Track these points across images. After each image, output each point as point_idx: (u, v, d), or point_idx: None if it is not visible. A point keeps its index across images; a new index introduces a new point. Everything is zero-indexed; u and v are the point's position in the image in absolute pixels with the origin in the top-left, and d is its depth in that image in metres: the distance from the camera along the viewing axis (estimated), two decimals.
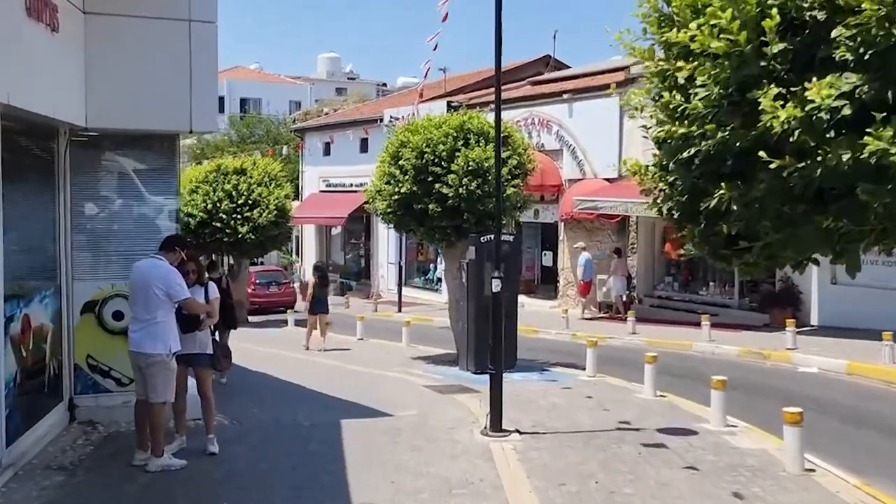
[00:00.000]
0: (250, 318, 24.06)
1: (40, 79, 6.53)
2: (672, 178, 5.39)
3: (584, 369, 12.83)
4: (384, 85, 66.27)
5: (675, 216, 5.67)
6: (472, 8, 75.88)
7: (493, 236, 9.32)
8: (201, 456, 7.23)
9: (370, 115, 31.73)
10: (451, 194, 12.90)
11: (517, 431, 8.38)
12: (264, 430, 8.42)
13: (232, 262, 23.63)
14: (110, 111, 7.84)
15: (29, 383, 7.07)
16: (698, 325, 16.75)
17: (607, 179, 21.54)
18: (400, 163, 13.42)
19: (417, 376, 12.75)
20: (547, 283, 24.64)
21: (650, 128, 5.76)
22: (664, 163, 5.69)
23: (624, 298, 20.72)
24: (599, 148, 21.91)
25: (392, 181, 13.48)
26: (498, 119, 8.64)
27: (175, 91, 8.00)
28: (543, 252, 25.03)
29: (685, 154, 5.09)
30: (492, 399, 8.31)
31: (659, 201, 6.02)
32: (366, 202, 15.02)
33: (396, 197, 13.38)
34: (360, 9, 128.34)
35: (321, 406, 9.93)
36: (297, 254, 37.77)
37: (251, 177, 22.75)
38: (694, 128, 5.07)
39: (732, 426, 8.73)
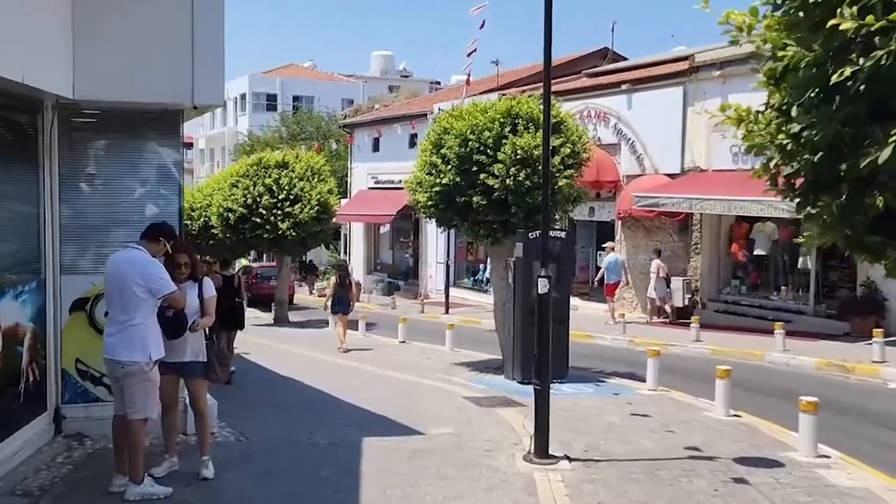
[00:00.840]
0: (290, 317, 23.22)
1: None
2: (800, 126, 3.72)
3: (644, 381, 11.51)
4: (437, 83, 65.15)
5: (801, 186, 4.08)
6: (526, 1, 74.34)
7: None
8: (193, 481, 6.16)
9: (419, 110, 30.69)
10: (497, 186, 11.70)
11: (567, 458, 7.13)
12: (273, 451, 7.30)
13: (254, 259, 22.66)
14: (102, 81, 6.84)
15: None
16: (769, 332, 15.26)
17: (669, 175, 20.09)
18: (442, 151, 12.25)
19: (457, 385, 11.57)
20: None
21: (763, 55, 4.23)
22: (787, 103, 4.05)
23: (667, 302, 19.47)
24: (660, 142, 20.46)
25: (433, 171, 12.33)
26: (547, 93, 7.40)
27: (176, 59, 6.98)
28: (599, 252, 23.61)
29: (830, 80, 3.50)
30: (537, 420, 7.09)
31: (773, 163, 4.39)
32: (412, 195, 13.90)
33: (438, 188, 12.21)
34: (415, 6, 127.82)
35: (345, 419, 8.81)
36: (346, 252, 36.91)
37: (293, 171, 21.85)
38: (849, 35, 3.44)
39: (825, 457, 7.35)
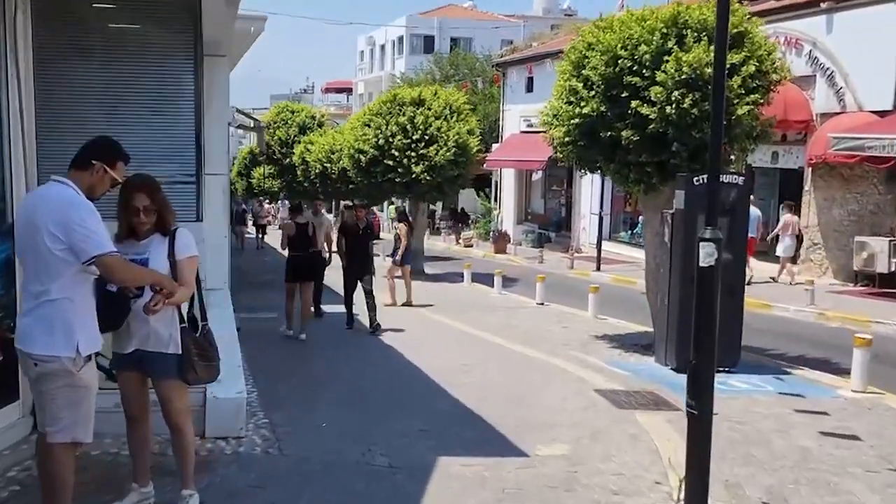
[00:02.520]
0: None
1: None
2: None
3: (845, 375, 8.66)
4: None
5: None
6: None
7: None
8: None
9: None
10: (653, 115, 9.03)
11: None
12: (306, 475, 5.17)
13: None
14: None
15: None
16: None
17: (876, 112, 16.34)
18: (584, 72, 9.68)
19: (593, 369, 9.15)
20: None
21: None
22: None
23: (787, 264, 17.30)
24: (867, 72, 16.66)
25: (573, 99, 9.79)
26: None
27: None
28: (781, 206, 20.11)
29: None
30: (690, 455, 4.64)
31: None
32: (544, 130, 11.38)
33: (578, 120, 9.67)
34: None
35: (426, 422, 6.60)
36: (496, 200, 34.74)
37: (430, 108, 19.74)
38: None
39: None
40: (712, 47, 8.80)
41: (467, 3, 66.64)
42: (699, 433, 4.54)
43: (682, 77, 8.92)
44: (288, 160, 32.08)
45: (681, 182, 8.95)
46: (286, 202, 39.32)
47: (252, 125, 10.76)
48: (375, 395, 7.60)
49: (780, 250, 17.35)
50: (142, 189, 4.04)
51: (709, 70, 8.74)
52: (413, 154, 19.16)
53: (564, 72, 10.09)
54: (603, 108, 9.43)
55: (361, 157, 19.81)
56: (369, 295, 11.65)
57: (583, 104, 9.56)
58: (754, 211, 17.36)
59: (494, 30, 57.67)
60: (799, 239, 17.68)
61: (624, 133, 9.30)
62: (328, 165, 26.72)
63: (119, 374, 4.22)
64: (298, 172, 30.12)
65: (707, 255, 4.64)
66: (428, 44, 57.71)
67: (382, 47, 64.91)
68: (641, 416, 6.99)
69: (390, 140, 19.31)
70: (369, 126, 19.87)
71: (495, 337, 11.31)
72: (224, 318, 8.33)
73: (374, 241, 14.30)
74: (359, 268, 11.64)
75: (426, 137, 19.26)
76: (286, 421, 6.19)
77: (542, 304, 15.20)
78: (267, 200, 41.60)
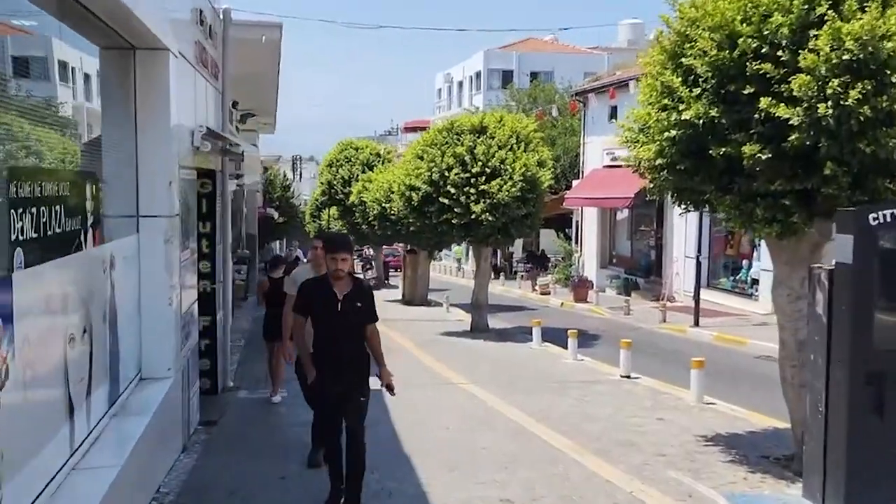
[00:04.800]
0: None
1: None
2: None
3: None
4: None
5: None
6: None
7: None
8: None
9: None
10: (795, 120, 5.86)
11: None
12: None
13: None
14: None
15: None
16: None
17: None
18: (685, 61, 6.59)
19: None
20: None
21: None
22: None
23: None
24: None
25: (670, 102, 6.71)
26: None
27: None
28: None
29: None
30: None
31: None
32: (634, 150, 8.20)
33: (675, 132, 6.57)
34: None
35: None
36: (576, 242, 31.47)
37: (492, 137, 16.82)
38: None
39: None
40: (891, 10, 5.66)
41: (548, 37, 64.03)
42: None
43: (843, 59, 5.73)
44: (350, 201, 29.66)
45: (845, 220, 5.71)
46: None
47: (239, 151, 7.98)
48: None
49: None
50: None
51: (890, 45, 5.56)
52: (472, 190, 16.24)
53: (654, 63, 7.01)
54: (714, 113, 6.32)
55: (413, 194, 17.02)
56: (355, 438, 5.77)
57: (683, 108, 6.46)
58: None
59: (577, 62, 54.80)
60: None
61: (747, 149, 6.15)
62: (387, 206, 24.06)
63: None
64: (356, 214, 27.60)
65: None
66: (506, 79, 55.24)
67: (460, 84, 62.91)
68: None
69: (446, 174, 16.46)
70: (422, 159, 17.09)
71: (561, 437, 8.15)
72: (136, 434, 5.51)
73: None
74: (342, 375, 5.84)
75: (487, 170, 16.32)
76: None
77: (629, 376, 11.91)
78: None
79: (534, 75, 53.74)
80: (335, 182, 32.25)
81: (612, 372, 12.41)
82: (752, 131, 6.19)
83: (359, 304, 5.71)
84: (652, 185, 7.43)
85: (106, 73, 6.16)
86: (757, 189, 6.38)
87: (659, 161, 6.87)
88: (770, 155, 6.09)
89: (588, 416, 9.21)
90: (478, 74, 58.57)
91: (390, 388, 5.78)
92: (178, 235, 7.15)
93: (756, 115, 6.11)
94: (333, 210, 33.67)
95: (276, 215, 46.05)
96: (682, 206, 7.47)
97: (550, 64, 55.74)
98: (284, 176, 56.48)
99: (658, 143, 6.79)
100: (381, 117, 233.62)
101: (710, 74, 6.34)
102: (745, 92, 6.14)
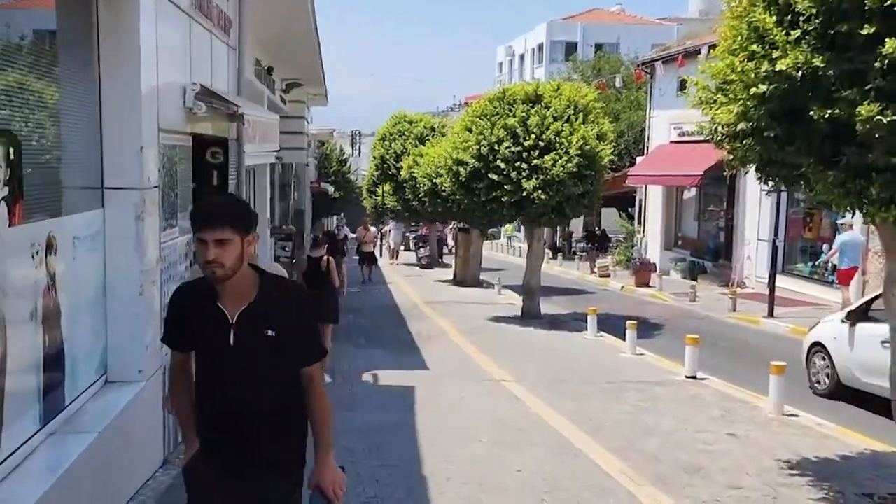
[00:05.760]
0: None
1: None
2: None
3: None
4: None
5: None
6: None
7: None
8: None
9: None
10: None
11: None
12: None
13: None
14: None
15: None
16: None
17: None
18: None
19: None
20: None
21: None
22: None
23: None
24: None
25: (760, 49, 5.27)
26: None
27: None
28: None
29: None
30: None
31: None
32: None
33: (766, 87, 5.14)
34: None
35: None
36: (640, 222, 29.76)
37: (547, 107, 15.39)
38: None
39: None
40: None
41: (614, 7, 61.66)
42: None
43: None
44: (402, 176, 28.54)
45: None
46: (397, 223, 35.63)
47: (233, 112, 6.82)
48: None
49: None
50: None
51: None
52: (524, 165, 14.86)
53: (739, 2, 5.56)
54: (818, 62, 4.87)
55: (461, 169, 15.73)
56: None
57: (777, 56, 5.02)
58: (854, 236, 15.31)
59: (645, 33, 52.42)
60: None
61: (863, 109, 4.70)
62: (437, 181, 22.83)
63: None
64: (407, 190, 26.44)
65: None
66: (570, 51, 53.34)
67: (522, 57, 61.14)
68: None
69: (496, 148, 15.11)
70: (470, 131, 15.76)
71: (612, 457, 6.84)
72: (72, 454, 4.42)
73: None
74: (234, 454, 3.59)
75: (541, 144, 14.91)
76: None
77: (695, 377, 10.48)
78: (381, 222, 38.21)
79: (598, 47, 51.61)
80: (388, 157, 31.17)
81: (675, 370, 11.00)
82: (868, 87, 4.74)
83: (269, 332, 3.06)
84: (731, 158, 6.00)
85: (61, 5, 5.03)
86: (873, 162, 4.93)
87: (742, 126, 5.45)
88: (894, 117, 4.63)
89: (646, 429, 7.86)
90: (540, 47, 56.79)
91: (325, 497, 3.14)
92: (158, 211, 6.02)
93: (877, 65, 4.65)
94: (387, 186, 32.57)
95: (331, 190, 45.36)
96: (770, 183, 6.03)
97: (616, 35, 53.53)
98: (341, 150, 55.81)
99: (742, 102, 5.36)
100: (445, 93, 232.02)
101: (814, 11, 4.89)
102: (863, 33, 4.68)
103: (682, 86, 23.35)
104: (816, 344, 10.10)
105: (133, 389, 5.58)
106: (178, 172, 6.65)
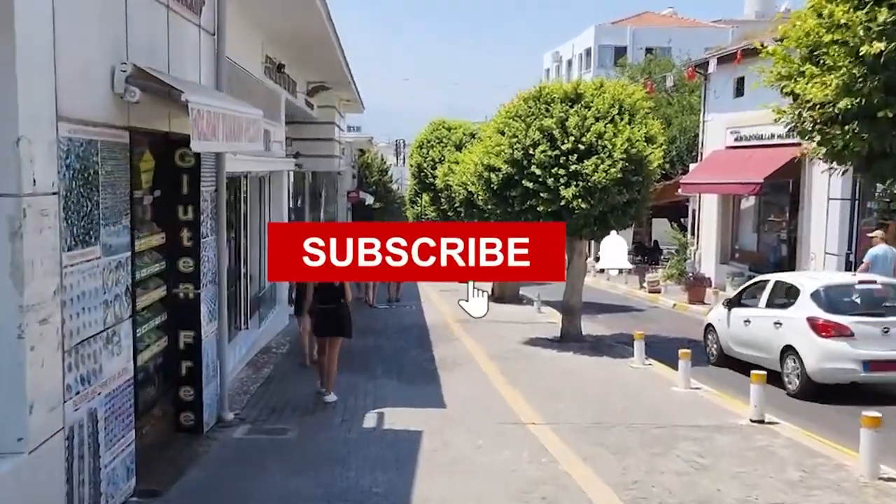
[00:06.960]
0: None
1: None
2: None
3: None
4: None
5: None
6: None
7: None
8: None
9: None
10: None
11: None
12: None
13: None
14: None
15: None
16: None
17: None
18: None
19: None
20: None
21: None
22: None
23: None
24: None
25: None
26: None
27: None
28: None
29: None
30: None
31: None
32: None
33: (881, 46, 3.53)
34: None
35: None
36: (693, 233, 27.81)
37: (589, 107, 13.75)
38: None
39: None
40: None
41: (665, 10, 59.53)
42: None
43: None
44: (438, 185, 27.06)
45: None
46: None
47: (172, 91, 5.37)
48: None
49: None
50: None
51: None
52: (562, 171, 13.25)
53: None
54: None
55: (493, 175, 14.17)
56: None
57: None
58: (886, 249, 13.34)
59: (698, 36, 50.21)
60: None
61: None
62: (473, 190, 21.26)
63: None
64: (443, 199, 24.94)
65: None
66: (619, 55, 51.33)
67: (569, 62, 59.37)
68: None
69: (530, 152, 13.53)
70: (503, 134, 14.19)
71: None
72: None
73: None
74: None
75: (581, 147, 13.28)
76: None
77: (762, 421, 8.74)
78: None
79: (649, 51, 49.65)
80: (425, 165, 29.71)
81: (737, 411, 9.29)
82: None
83: None
84: (822, 148, 4.36)
85: None
86: None
87: (845, 103, 3.83)
88: None
89: (705, 500, 6.19)
90: (588, 52, 55.00)
91: None
92: (58, 225, 4.61)
93: None
94: (426, 196, 31.05)
95: (371, 200, 44.02)
96: (879, 181, 4.36)
97: (667, 38, 51.42)
98: (382, 159, 54.53)
99: (845, 71, 3.73)
100: (491, 103, 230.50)
101: None
102: None
103: (740, 88, 21.36)
104: (709, 325, 13.39)
105: (7, 464, 4.16)
106: (100, 176, 5.23)
